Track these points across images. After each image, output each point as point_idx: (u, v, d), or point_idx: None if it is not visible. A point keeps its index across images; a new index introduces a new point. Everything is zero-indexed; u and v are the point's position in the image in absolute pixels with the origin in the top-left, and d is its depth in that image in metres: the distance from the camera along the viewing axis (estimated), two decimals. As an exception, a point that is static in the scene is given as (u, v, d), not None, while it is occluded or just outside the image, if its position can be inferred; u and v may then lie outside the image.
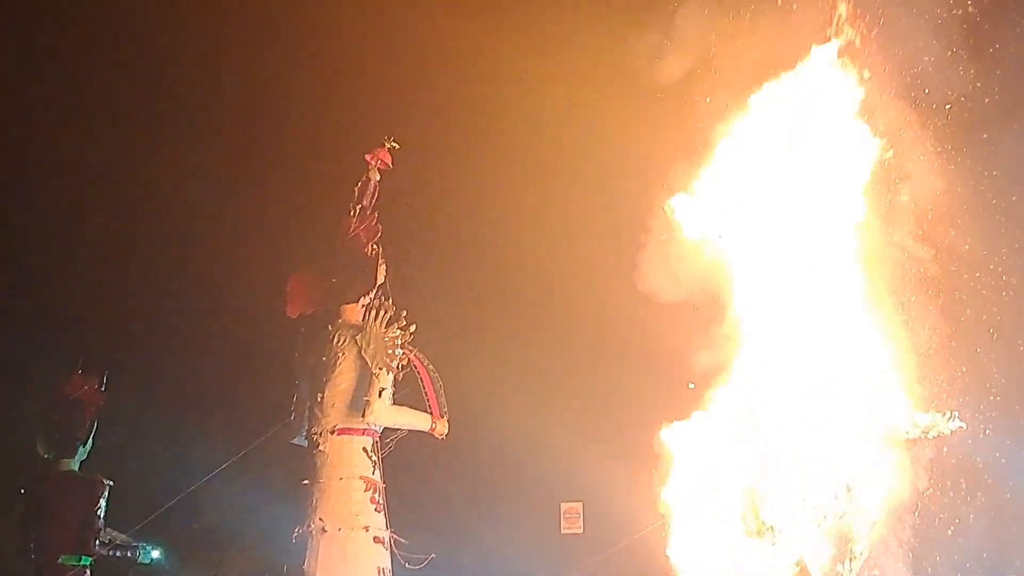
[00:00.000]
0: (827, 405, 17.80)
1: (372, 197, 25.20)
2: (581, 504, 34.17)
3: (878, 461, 17.70)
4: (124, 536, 32.22)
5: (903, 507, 18.81)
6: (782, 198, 18.80)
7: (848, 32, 18.87)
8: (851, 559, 17.75)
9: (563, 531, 34.71)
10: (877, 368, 18.21)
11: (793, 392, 17.95)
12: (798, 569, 17.19)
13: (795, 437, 17.79)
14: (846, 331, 18.30)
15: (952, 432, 18.13)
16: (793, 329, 18.33)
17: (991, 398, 21.90)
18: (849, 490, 17.50)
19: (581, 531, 33.85)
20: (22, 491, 31.67)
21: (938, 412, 18.07)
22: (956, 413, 18.11)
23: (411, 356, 24.38)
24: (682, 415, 19.65)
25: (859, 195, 18.74)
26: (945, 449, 19.54)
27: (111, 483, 30.34)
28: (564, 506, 34.87)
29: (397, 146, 25.27)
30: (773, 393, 18.17)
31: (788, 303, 18.39)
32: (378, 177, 25.28)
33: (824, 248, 18.57)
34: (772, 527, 17.56)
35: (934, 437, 18.07)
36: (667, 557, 18.86)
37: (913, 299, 19.14)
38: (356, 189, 25.19)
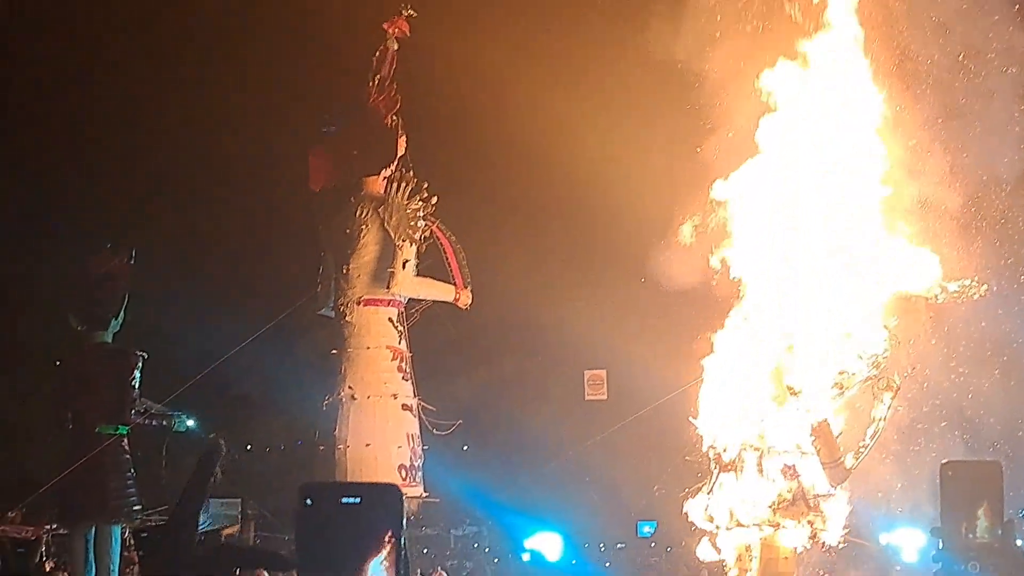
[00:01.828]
0: (855, 272, 17.88)
1: (390, 67, 25.04)
2: (605, 371, 34.53)
3: (903, 330, 17.82)
4: (159, 406, 32.94)
5: (928, 376, 18.98)
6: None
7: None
8: (876, 424, 17.98)
9: (587, 397, 35.15)
10: (905, 238, 18.22)
11: (820, 260, 18.02)
12: (819, 432, 17.39)
13: (822, 303, 17.91)
14: (874, 204, 18.30)
15: (980, 296, 18.15)
16: (819, 200, 18.33)
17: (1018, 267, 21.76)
18: (874, 356, 17.65)
19: (605, 397, 34.27)
20: (57, 363, 32.40)
21: (966, 279, 18.08)
22: (982, 281, 18.13)
23: (433, 227, 24.54)
24: (706, 286, 19.81)
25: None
26: (970, 319, 19.62)
27: (144, 354, 30.95)
28: (588, 373, 35.25)
29: (414, 14, 25.05)
30: (798, 261, 18.25)
31: (812, 173, 18.36)
32: (396, 47, 25.11)
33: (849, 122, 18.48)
34: (797, 391, 17.78)
35: (963, 301, 18.11)
36: (691, 423, 19.15)
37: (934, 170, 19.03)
38: (374, 59, 25.04)
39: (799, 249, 18.30)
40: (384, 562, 1.55)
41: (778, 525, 17.78)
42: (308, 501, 1.53)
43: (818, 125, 18.48)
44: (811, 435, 17.36)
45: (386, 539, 1.55)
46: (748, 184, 18.77)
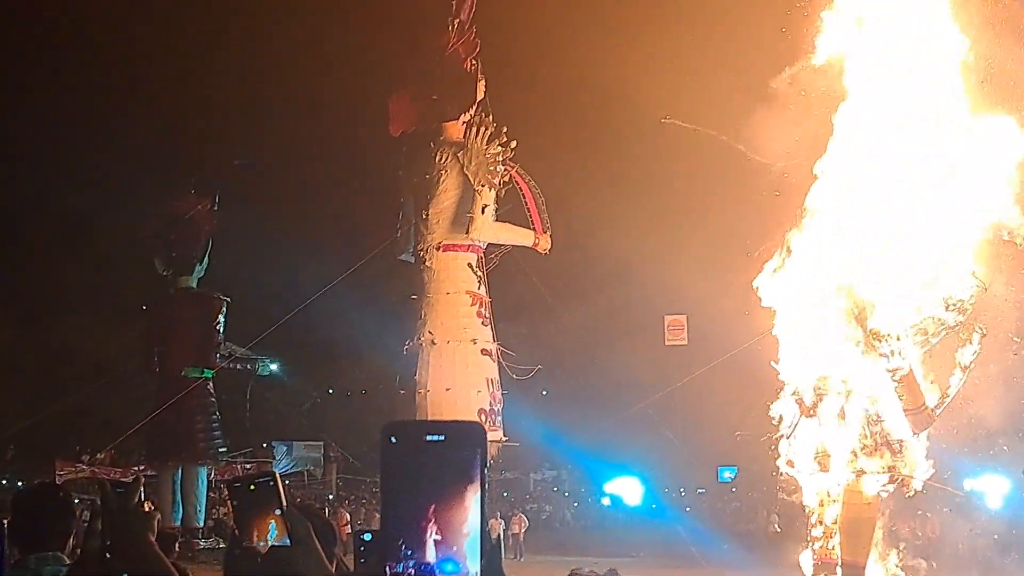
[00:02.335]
0: (943, 214, 17.51)
1: (470, 11, 24.93)
2: (685, 317, 34.33)
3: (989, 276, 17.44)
4: (243, 350, 33.56)
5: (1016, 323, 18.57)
6: None
7: None
8: (961, 370, 17.71)
9: (667, 343, 35.01)
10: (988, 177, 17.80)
11: (908, 200, 17.67)
12: (903, 379, 17.17)
13: (906, 250, 17.60)
14: (959, 142, 17.89)
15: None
16: (908, 139, 17.96)
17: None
18: (960, 302, 17.34)
19: (685, 343, 34.08)
20: (144, 308, 33.02)
21: None
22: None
23: (513, 172, 24.49)
24: (785, 231, 19.56)
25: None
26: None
27: (228, 299, 31.42)
28: (668, 318, 35.08)
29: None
30: (885, 201, 17.92)
31: (904, 109, 17.97)
32: (475, -8, 24.99)
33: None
34: (883, 336, 17.54)
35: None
36: (774, 367, 19.01)
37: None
38: (453, 3, 24.92)
39: (887, 188, 17.97)
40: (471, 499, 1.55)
41: (861, 471, 17.65)
42: (392, 439, 1.55)
43: (914, 56, 18.06)
44: (894, 381, 17.15)
45: (472, 476, 1.54)
46: (837, 121, 18.46)
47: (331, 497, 38.44)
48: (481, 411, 23.90)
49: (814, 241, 18.76)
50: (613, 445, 32.72)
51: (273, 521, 2.80)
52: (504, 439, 24.43)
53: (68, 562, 3.89)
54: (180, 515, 28.53)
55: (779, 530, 30.40)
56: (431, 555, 1.51)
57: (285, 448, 43.40)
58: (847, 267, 18.06)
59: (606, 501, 35.11)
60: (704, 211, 27.86)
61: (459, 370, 24.15)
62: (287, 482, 37.80)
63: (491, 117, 24.46)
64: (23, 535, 3.86)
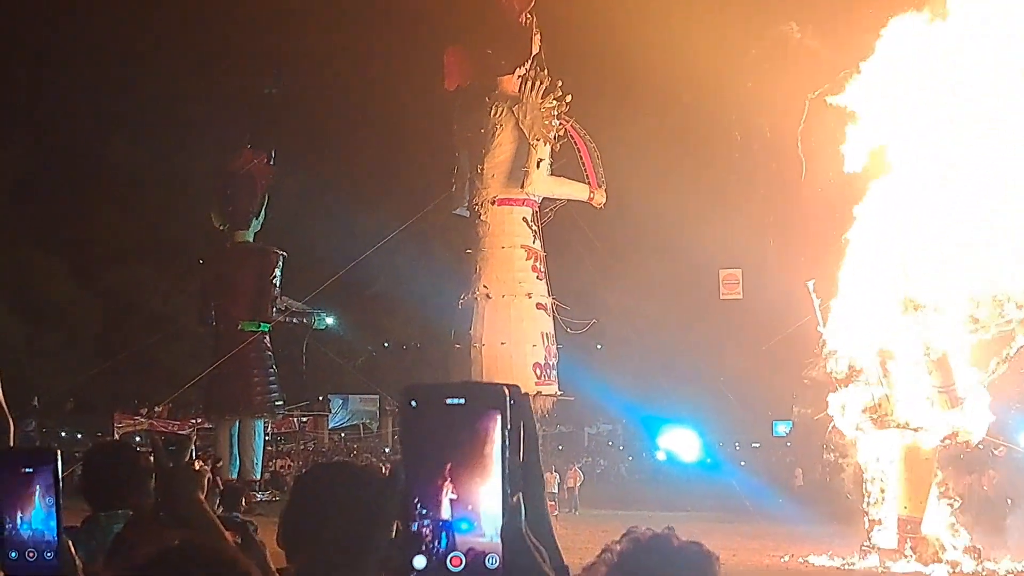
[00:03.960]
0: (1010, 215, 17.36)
1: (524, -36, 24.72)
2: (740, 271, 34.16)
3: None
4: (299, 304, 33.78)
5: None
6: None
7: None
8: (1003, 358, 17.65)
9: (722, 296, 34.88)
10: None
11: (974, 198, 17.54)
12: (937, 362, 17.15)
13: (957, 225, 17.48)
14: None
15: None
16: (979, 125, 17.77)
17: None
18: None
19: (740, 296, 33.90)
20: (201, 262, 33.33)
21: None
22: None
23: (568, 126, 24.35)
24: (840, 193, 19.47)
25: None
26: None
27: (284, 253, 31.62)
28: (723, 272, 34.94)
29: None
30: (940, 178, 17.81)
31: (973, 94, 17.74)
32: (530, -56, 24.75)
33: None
34: (919, 305, 17.52)
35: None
36: (820, 336, 19.05)
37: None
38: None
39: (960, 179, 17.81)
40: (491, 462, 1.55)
41: (919, 427, 17.59)
42: (412, 403, 1.54)
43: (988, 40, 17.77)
44: (926, 356, 17.18)
45: (492, 437, 1.54)
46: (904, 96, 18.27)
47: (387, 450, 38.80)
48: (536, 365, 23.91)
49: (879, 215, 18.55)
50: (668, 400, 32.74)
51: None
52: (559, 393, 24.45)
53: (133, 518, 3.92)
54: (237, 468, 28.87)
55: (802, 484, 30.49)
56: (446, 514, 1.52)
57: (341, 401, 43.82)
58: (908, 250, 17.91)
59: (661, 455, 35.18)
60: (764, 163, 27.54)
61: (514, 324, 24.12)
62: (344, 435, 38.30)
63: (546, 71, 24.30)
64: (94, 492, 3.88)
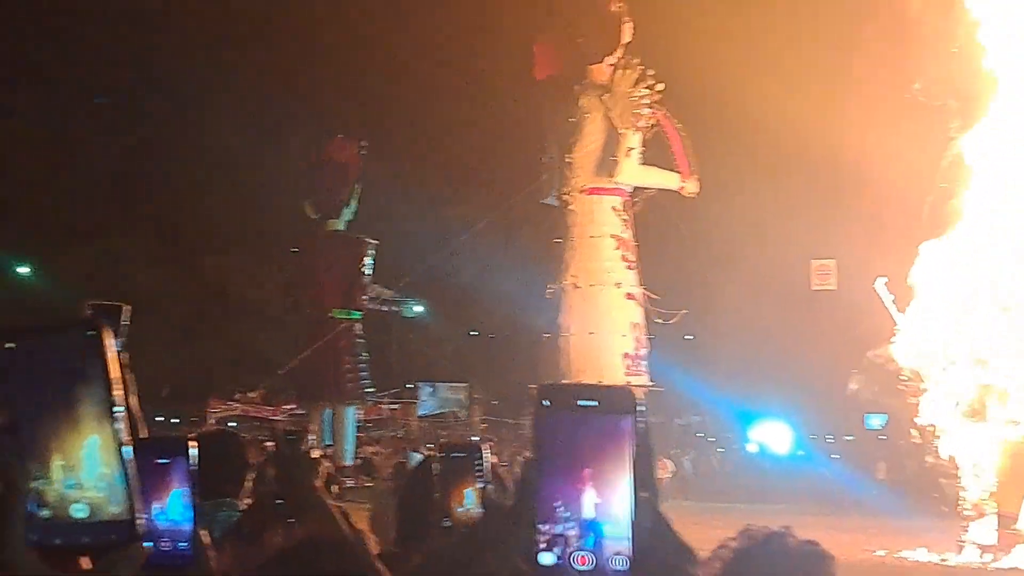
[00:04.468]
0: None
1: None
2: (833, 261, 33.78)
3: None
4: (390, 292, 34.06)
5: None
6: None
7: None
8: None
9: (813, 287, 34.55)
10: None
11: None
12: None
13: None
14: None
15: None
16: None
17: None
18: None
19: (834, 287, 33.52)
20: (294, 251, 33.75)
21: None
22: None
23: (659, 115, 24.20)
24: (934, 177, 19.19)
25: None
26: None
27: (375, 242, 31.90)
28: (815, 263, 34.61)
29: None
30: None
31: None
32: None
33: None
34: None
35: None
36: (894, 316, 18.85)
37: None
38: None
39: None
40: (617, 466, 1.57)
41: (1019, 421, 17.33)
42: (545, 402, 1.56)
43: None
44: None
45: (624, 441, 1.54)
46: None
47: (476, 439, 38.93)
48: (626, 355, 23.81)
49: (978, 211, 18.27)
50: (760, 390, 32.49)
51: (471, 490, 2.91)
52: (650, 384, 24.34)
53: (241, 508, 3.97)
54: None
55: (884, 477, 30.07)
56: (575, 512, 1.54)
57: (430, 389, 44.11)
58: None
59: (752, 447, 34.91)
60: (859, 155, 27.14)
61: (603, 314, 24.02)
62: (432, 422, 38.49)
63: (637, 60, 24.17)
64: (200, 480, 3.92)
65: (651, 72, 23.86)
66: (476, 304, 41.66)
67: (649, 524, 1.57)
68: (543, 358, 25.00)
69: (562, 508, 1.52)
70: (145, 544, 1.47)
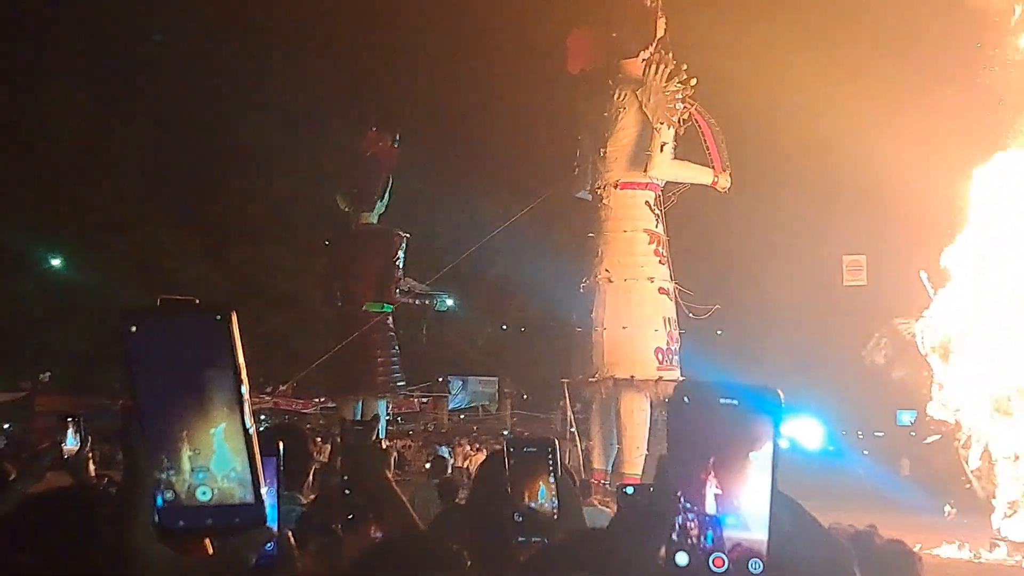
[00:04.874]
0: None
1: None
2: (864, 257, 33.60)
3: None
4: (422, 285, 34.04)
5: None
6: None
7: None
8: None
9: (845, 283, 34.38)
10: None
11: None
12: None
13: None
14: None
15: None
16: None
17: None
18: None
19: (864, 283, 33.34)
20: (327, 243, 33.78)
21: None
22: None
23: (692, 110, 24.17)
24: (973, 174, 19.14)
25: None
26: None
27: (408, 236, 31.90)
28: (847, 259, 34.45)
29: None
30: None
31: None
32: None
33: None
34: None
35: None
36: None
37: None
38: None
39: None
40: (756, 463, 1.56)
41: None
42: (685, 399, 1.59)
43: None
44: None
45: (762, 439, 1.55)
46: None
47: (506, 432, 38.96)
48: (658, 350, 23.80)
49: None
50: (790, 385, 32.26)
51: (544, 485, 2.89)
52: (682, 379, 24.28)
53: (304, 502, 4.03)
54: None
55: (909, 474, 29.91)
56: (711, 510, 1.53)
57: (460, 383, 44.09)
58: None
59: (783, 443, 34.67)
60: (893, 152, 27.01)
61: (636, 308, 24.02)
62: (463, 416, 38.48)
63: (671, 54, 24.14)
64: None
65: (685, 67, 23.86)
66: (508, 298, 41.68)
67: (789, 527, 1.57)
68: (576, 352, 25.03)
69: (699, 508, 1.53)
70: (270, 525, 1.50)
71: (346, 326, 30.47)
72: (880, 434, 39.59)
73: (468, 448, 31.85)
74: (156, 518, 1.44)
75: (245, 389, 1.45)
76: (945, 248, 19.44)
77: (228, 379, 1.47)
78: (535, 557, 2.51)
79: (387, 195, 31.17)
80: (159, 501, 1.44)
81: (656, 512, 1.61)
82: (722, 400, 1.57)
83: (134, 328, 1.45)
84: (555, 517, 2.89)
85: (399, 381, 31.66)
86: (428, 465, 18.68)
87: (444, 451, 28.31)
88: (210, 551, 1.49)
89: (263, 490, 1.47)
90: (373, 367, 30.37)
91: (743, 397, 1.57)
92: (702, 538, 1.52)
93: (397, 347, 31.48)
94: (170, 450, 1.45)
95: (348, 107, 35.08)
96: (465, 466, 28.09)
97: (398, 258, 31.00)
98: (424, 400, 41.22)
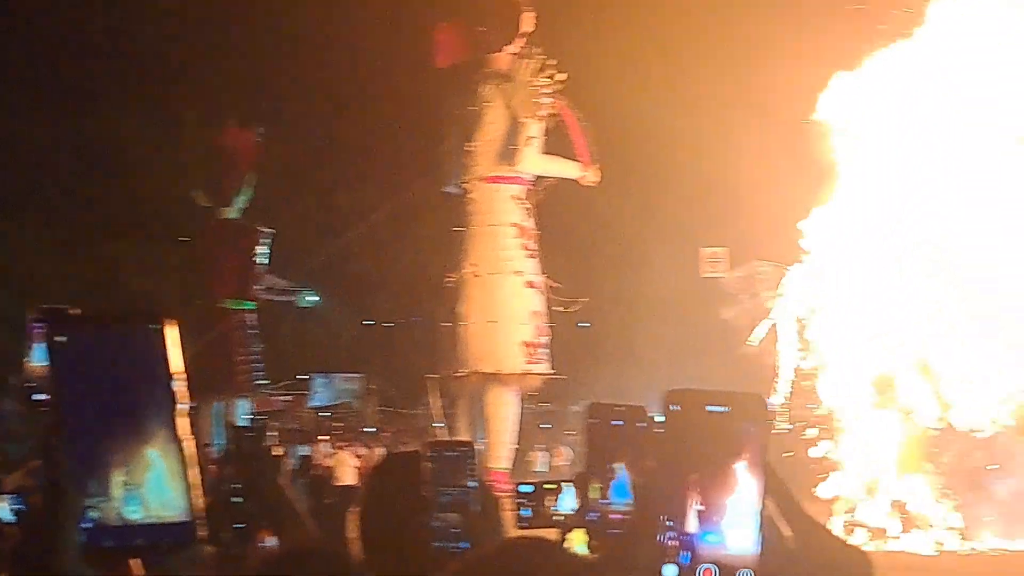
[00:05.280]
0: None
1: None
2: (725, 249, 34.38)
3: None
4: (284, 281, 33.58)
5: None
6: None
7: None
8: None
9: (703, 274, 35.17)
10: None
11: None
12: None
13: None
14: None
15: None
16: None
17: None
18: None
19: (724, 275, 34.07)
20: (184, 239, 33.11)
21: None
22: None
23: (559, 105, 24.26)
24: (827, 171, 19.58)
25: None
26: None
27: (271, 231, 31.39)
28: (705, 251, 35.25)
29: None
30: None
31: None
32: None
33: None
34: None
35: None
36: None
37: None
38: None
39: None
40: (745, 470, 1.50)
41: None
42: (673, 408, 1.53)
43: None
44: None
45: (749, 449, 1.49)
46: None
47: (372, 430, 38.81)
48: (524, 344, 23.84)
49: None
50: (654, 378, 32.80)
51: (465, 489, 2.82)
52: (551, 372, 24.40)
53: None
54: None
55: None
56: (693, 526, 1.46)
57: (324, 380, 43.76)
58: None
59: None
60: (751, 144, 27.56)
61: (502, 303, 24.00)
62: (330, 413, 37.96)
63: (539, 49, 24.20)
64: None
65: (552, 62, 23.92)
66: (373, 293, 41.53)
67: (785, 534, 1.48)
68: (441, 347, 24.93)
69: (687, 518, 1.45)
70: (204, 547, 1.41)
71: (205, 325, 29.86)
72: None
73: (331, 447, 31.61)
74: (82, 538, 1.38)
75: (182, 401, 1.46)
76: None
77: (162, 391, 1.47)
78: (469, 564, 2.36)
79: (247, 190, 30.62)
80: (86, 520, 1.38)
81: (641, 524, 1.56)
82: (710, 408, 1.55)
83: (63, 338, 1.42)
84: (477, 522, 2.81)
85: (261, 380, 31.19)
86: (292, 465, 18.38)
87: (306, 450, 28.05)
88: (137, 572, 1.44)
89: (200, 506, 1.44)
90: (233, 366, 29.79)
91: (732, 405, 1.56)
92: (688, 550, 1.47)
93: (258, 345, 31.01)
94: (98, 466, 1.39)
95: (207, 99, 34.45)
96: (329, 465, 27.82)
97: (259, 253, 30.49)
98: (286, 399, 40.79)
